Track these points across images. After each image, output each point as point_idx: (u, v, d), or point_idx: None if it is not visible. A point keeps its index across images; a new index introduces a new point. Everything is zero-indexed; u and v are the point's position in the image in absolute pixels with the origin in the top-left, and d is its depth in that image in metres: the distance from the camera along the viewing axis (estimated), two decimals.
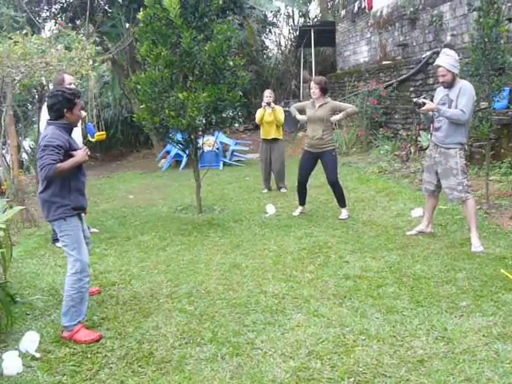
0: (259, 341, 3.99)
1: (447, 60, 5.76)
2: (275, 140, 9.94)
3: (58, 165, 4.00)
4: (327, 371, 3.51)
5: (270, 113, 9.73)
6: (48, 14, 16.91)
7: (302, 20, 24.77)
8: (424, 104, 5.90)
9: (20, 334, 4.20)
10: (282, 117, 9.77)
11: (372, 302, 4.59)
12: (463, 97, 5.69)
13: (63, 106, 4.19)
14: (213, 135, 10.96)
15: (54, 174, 4.01)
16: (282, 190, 9.91)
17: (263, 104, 9.80)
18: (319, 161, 7.60)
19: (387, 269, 5.37)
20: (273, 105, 9.76)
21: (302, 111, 7.88)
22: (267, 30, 24.38)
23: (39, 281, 5.59)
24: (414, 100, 6.08)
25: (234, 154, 14.78)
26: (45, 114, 6.50)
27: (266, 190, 10.01)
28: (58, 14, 16.64)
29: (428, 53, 12.02)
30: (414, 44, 13.66)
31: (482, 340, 3.80)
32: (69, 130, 4.30)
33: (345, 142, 13.67)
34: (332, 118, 7.50)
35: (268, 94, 9.86)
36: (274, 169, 10.03)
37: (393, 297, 4.67)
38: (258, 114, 9.88)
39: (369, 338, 3.92)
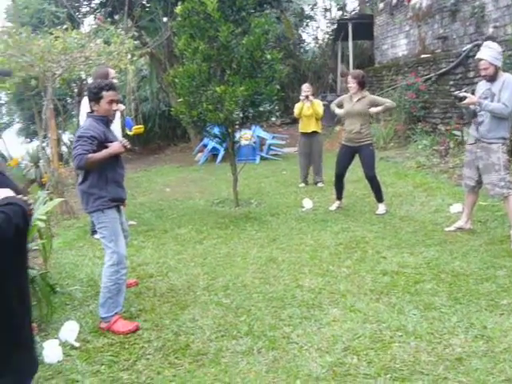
0: (295, 335, 3.99)
1: (489, 53, 5.64)
2: (314, 133, 9.93)
3: (90, 155, 4.05)
4: (363, 367, 3.49)
5: (308, 106, 9.70)
6: (87, 9, 17.17)
7: (339, 13, 24.58)
8: (465, 98, 5.79)
9: (60, 324, 4.28)
10: (320, 110, 9.76)
11: (409, 298, 4.54)
12: (506, 90, 5.57)
13: (90, 98, 4.27)
14: (250, 129, 10.98)
15: (85, 164, 4.06)
16: (319, 185, 9.88)
17: (301, 98, 9.79)
18: (356, 155, 7.55)
19: (425, 265, 5.31)
20: (311, 98, 9.74)
21: (340, 106, 7.83)
22: (304, 23, 24.24)
23: (78, 272, 5.68)
24: (455, 93, 5.98)
25: (271, 147, 14.74)
26: (84, 107, 6.60)
27: (303, 184, 9.99)
28: (97, 9, 16.85)
29: (469, 45, 11.77)
30: (455, 37, 13.41)
31: None
32: (105, 122, 4.34)
33: (382, 136, 13.51)
34: (370, 110, 7.44)
35: (306, 88, 9.84)
36: (312, 162, 10.01)
37: (431, 293, 4.61)
38: (297, 107, 9.88)
39: (406, 335, 3.88)
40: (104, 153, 4.15)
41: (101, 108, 4.26)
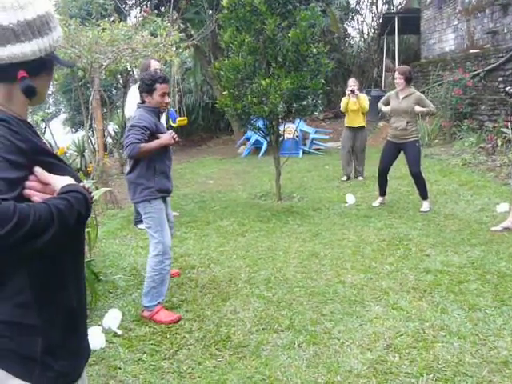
0: (336, 331, 3.97)
1: None
2: (360, 128, 9.91)
3: (142, 145, 4.09)
4: (405, 366, 3.46)
5: (354, 101, 9.66)
6: (134, 1, 17.32)
7: (385, 7, 24.20)
8: None
9: (103, 311, 4.35)
10: (366, 104, 9.74)
11: (453, 297, 4.47)
12: None
13: (142, 90, 4.30)
14: (293, 123, 10.93)
15: (137, 153, 4.11)
16: (359, 178, 9.85)
17: (347, 92, 9.75)
18: (401, 152, 7.46)
19: (470, 264, 5.21)
20: (357, 92, 9.71)
21: (386, 103, 7.76)
22: (350, 17, 23.99)
23: (121, 261, 5.76)
24: (507, 89, 5.84)
25: (314, 142, 14.67)
26: (131, 97, 6.68)
27: (345, 178, 9.96)
28: (144, 1, 17.00)
29: None
30: (505, 31, 13.09)
31: None
32: (157, 113, 4.38)
33: (427, 133, 13.30)
34: (415, 108, 7.34)
35: (352, 83, 9.80)
36: (357, 156, 9.99)
37: (475, 294, 4.52)
38: (343, 102, 9.85)
39: (449, 335, 3.83)
40: (155, 143, 4.19)
41: (153, 100, 4.29)
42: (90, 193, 1.55)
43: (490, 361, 3.46)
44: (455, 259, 5.38)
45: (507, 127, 10.68)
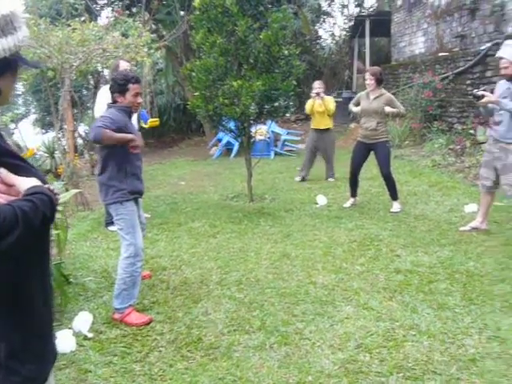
0: (308, 331, 3.99)
1: (510, 51, 5.58)
2: (326, 130, 9.98)
3: (107, 130, 4.06)
4: (376, 365, 3.49)
5: (320, 103, 9.73)
6: (105, 1, 17.19)
7: (357, 10, 24.43)
8: (483, 96, 5.74)
9: (73, 314, 4.31)
10: (332, 106, 9.84)
11: (423, 297, 4.52)
12: None
13: (115, 90, 4.28)
14: (265, 124, 10.95)
15: (101, 137, 4.07)
16: (330, 179, 9.93)
17: (312, 95, 9.83)
18: (372, 152, 7.52)
19: (439, 264, 5.28)
20: (322, 95, 9.78)
21: (357, 104, 7.82)
22: (321, 19, 24.13)
23: (92, 263, 5.71)
24: (474, 92, 5.92)
25: (286, 143, 14.73)
26: (101, 97, 6.62)
27: (298, 178, 10.08)
28: (115, 1, 16.89)
29: (488, 44, 11.66)
30: (473, 35, 13.29)
31: None
32: (128, 113, 4.36)
33: (398, 134, 13.43)
34: (385, 109, 7.41)
35: (317, 85, 9.90)
36: (326, 158, 10.07)
37: (444, 293, 4.59)
38: (308, 104, 9.92)
39: (419, 334, 3.87)
40: (121, 135, 4.16)
41: (126, 100, 4.27)
42: (56, 194, 1.53)
43: (459, 359, 3.51)
44: (425, 259, 5.44)
45: (475, 129, 10.84)
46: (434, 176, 9.61)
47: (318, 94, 9.75)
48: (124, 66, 6.55)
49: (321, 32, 24.67)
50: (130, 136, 4.21)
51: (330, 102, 9.88)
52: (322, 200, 8.10)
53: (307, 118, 17.39)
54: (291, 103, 8.55)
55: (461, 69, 12.34)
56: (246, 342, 3.86)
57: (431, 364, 3.46)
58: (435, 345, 3.71)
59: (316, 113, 9.90)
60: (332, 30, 24.41)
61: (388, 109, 7.42)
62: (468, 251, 5.61)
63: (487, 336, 3.80)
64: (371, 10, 23.69)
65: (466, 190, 8.26)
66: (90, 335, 4.05)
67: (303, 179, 10.10)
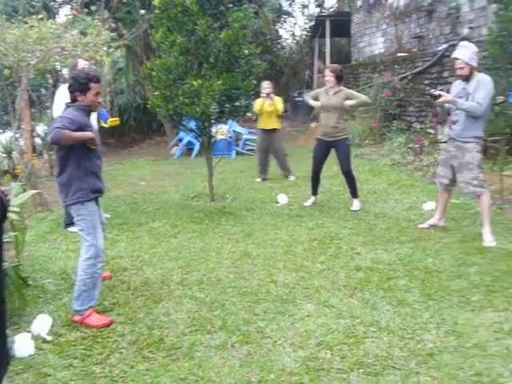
0: (269, 330, 4.00)
1: (466, 52, 5.70)
2: (274, 130, 10.05)
3: (66, 130, 3.98)
4: (337, 362, 3.52)
5: (270, 103, 9.78)
6: None
7: (317, 10, 24.63)
8: (440, 96, 5.85)
9: (32, 317, 4.23)
10: (281, 107, 9.97)
11: (383, 294, 4.58)
12: (481, 90, 5.64)
13: (75, 88, 4.21)
14: (226, 124, 10.95)
15: (60, 138, 3.98)
16: (291, 178, 9.98)
17: (262, 95, 9.86)
18: (332, 150, 7.59)
19: (398, 261, 5.36)
20: (272, 95, 9.83)
21: (315, 99, 7.87)
22: (282, 19, 24.27)
23: (51, 265, 5.62)
24: (431, 92, 6.03)
25: (247, 143, 14.75)
26: (59, 98, 6.53)
27: (259, 179, 10.13)
28: None
29: (444, 45, 11.89)
30: (431, 36, 13.54)
31: (492, 335, 3.79)
32: (87, 112, 4.30)
33: (358, 133, 13.58)
34: (345, 102, 7.47)
35: (266, 85, 9.94)
36: (277, 158, 10.14)
37: (404, 289, 4.66)
38: (257, 103, 9.92)
39: (379, 330, 3.92)
40: (79, 134, 4.08)
41: (87, 99, 4.21)
42: (7, 195, 1.51)
43: (417, 353, 3.57)
44: (384, 256, 5.51)
45: (433, 128, 11.03)
46: (394, 174, 9.75)
47: (268, 94, 9.80)
48: (82, 64, 6.48)
49: (282, 32, 24.85)
50: (89, 134, 4.15)
51: (279, 103, 9.97)
52: (282, 199, 8.14)
53: None
54: (252, 102, 8.55)
55: (419, 69, 12.56)
56: (208, 342, 3.86)
57: (391, 359, 3.51)
58: (395, 340, 3.76)
59: (265, 113, 9.95)
60: (293, 29, 24.59)
61: (348, 102, 7.48)
62: (426, 248, 5.71)
63: (445, 330, 3.88)
64: (331, 10, 23.90)
65: (424, 188, 8.41)
66: (49, 338, 3.98)
67: (264, 179, 10.12)
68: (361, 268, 5.20)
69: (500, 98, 7.08)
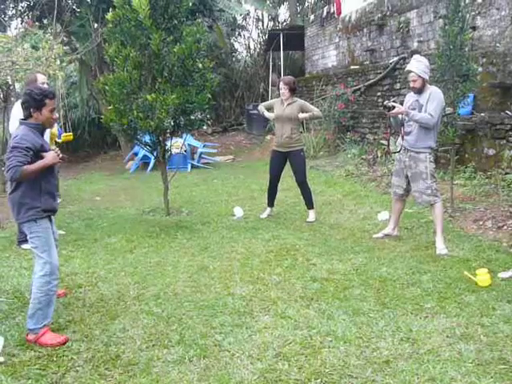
0: (227, 343, 4.00)
1: (418, 65, 5.86)
2: None
3: (25, 167, 3.92)
4: (294, 372, 3.54)
5: None
6: (14, 12, 16.67)
7: (271, 24, 24.87)
8: (393, 107, 5.99)
9: None
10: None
11: (339, 304, 4.63)
12: (432, 102, 5.81)
13: (30, 105, 4.12)
14: (181, 137, 10.93)
15: (19, 176, 3.93)
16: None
17: None
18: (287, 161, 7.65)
19: (354, 271, 5.43)
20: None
21: (269, 109, 7.92)
22: (236, 32, 24.41)
23: (4, 283, 5.49)
24: (385, 103, 6.16)
25: (202, 156, 14.76)
26: (16, 112, 6.41)
27: None
28: (25, 12, 16.42)
29: (395, 58, 12.17)
30: (382, 49, 13.83)
31: (445, 340, 3.88)
32: (41, 130, 4.22)
33: (312, 145, 13.72)
34: (299, 115, 7.53)
35: None
36: None
37: (359, 299, 4.72)
38: None
39: (335, 340, 3.96)
40: (39, 164, 4.02)
41: (42, 116, 4.12)
42: None
43: (374, 361, 3.63)
44: (340, 267, 5.58)
45: (386, 139, 11.23)
46: (348, 185, 9.88)
47: None
48: (42, 79, 6.39)
49: (236, 45, 24.98)
50: (49, 160, 4.08)
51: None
52: (238, 212, 8.14)
53: (224, 130, 17.56)
54: (207, 116, 8.56)
55: (371, 81, 12.81)
56: (165, 357, 3.83)
57: (347, 368, 3.56)
58: (351, 349, 3.81)
59: None
60: (247, 43, 24.75)
61: (302, 115, 7.54)
62: (381, 257, 5.81)
63: (400, 338, 3.95)
64: (285, 24, 24.15)
65: (378, 199, 8.54)
66: (1, 359, 3.88)
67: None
68: (317, 279, 5.25)
69: (449, 110, 7.27)
